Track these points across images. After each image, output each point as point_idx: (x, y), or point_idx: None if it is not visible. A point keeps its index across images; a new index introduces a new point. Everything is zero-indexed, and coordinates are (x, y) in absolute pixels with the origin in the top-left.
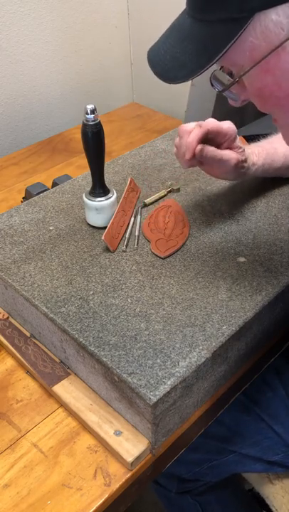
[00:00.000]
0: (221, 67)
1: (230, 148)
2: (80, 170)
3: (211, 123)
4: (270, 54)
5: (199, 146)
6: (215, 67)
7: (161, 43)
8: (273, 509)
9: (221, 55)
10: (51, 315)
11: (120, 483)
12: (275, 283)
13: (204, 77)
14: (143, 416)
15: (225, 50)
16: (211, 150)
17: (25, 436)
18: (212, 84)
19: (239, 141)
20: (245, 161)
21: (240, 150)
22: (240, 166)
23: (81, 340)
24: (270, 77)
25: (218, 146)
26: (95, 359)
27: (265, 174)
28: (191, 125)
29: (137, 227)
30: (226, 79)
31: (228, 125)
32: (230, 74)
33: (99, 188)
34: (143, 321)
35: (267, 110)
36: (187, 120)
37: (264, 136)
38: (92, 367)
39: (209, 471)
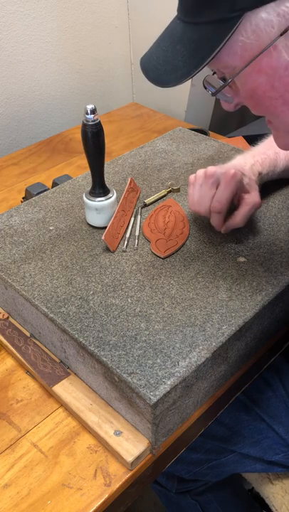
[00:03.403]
0: (214, 73)
1: (241, 193)
2: (80, 170)
3: (224, 200)
4: (262, 53)
5: (223, 229)
6: (208, 71)
7: (153, 49)
8: (273, 509)
9: (212, 56)
10: (51, 315)
11: (120, 483)
12: (275, 283)
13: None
14: (143, 416)
15: (216, 51)
16: (230, 225)
17: (25, 436)
18: (205, 87)
19: (246, 179)
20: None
21: (247, 188)
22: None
23: (81, 340)
24: (262, 77)
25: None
26: (95, 359)
27: (269, 179)
28: (206, 205)
29: (137, 227)
30: (218, 83)
31: (238, 178)
32: (223, 79)
33: (99, 188)
34: (143, 321)
35: (260, 112)
36: (187, 120)
37: (263, 136)
38: (92, 367)
39: (209, 471)
